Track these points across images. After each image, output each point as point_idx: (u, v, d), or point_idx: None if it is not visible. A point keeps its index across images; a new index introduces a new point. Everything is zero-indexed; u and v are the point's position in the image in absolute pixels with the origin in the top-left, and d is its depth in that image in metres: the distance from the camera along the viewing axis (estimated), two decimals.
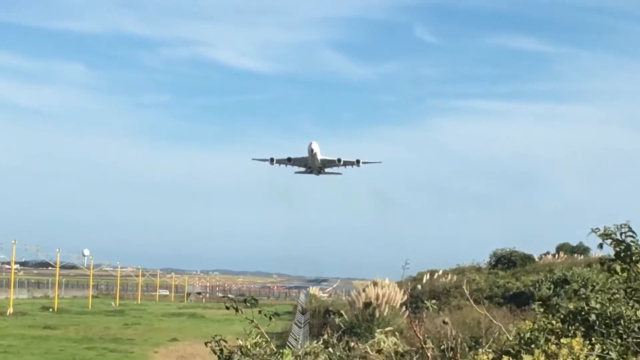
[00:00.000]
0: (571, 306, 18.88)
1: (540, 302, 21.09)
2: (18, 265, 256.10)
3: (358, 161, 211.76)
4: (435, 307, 17.00)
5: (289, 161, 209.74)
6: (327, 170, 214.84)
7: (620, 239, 17.78)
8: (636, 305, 18.29)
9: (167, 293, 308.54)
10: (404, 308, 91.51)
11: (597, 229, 17.85)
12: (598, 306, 18.28)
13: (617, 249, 17.89)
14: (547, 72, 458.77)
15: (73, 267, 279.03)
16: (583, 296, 19.31)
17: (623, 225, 17.72)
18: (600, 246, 17.99)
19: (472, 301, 21.91)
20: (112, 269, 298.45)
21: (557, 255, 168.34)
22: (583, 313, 18.46)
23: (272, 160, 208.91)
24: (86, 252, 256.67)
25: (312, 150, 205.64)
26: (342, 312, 20.02)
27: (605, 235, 17.75)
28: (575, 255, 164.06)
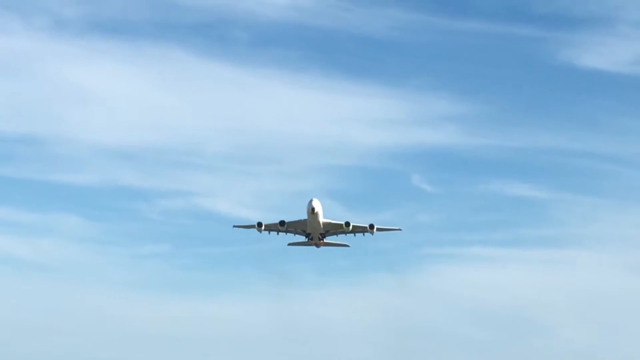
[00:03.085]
0: None
1: None
2: None
3: (372, 226, 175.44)
4: None
5: (282, 226, 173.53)
6: (329, 240, 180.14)
7: None
8: None
9: None
10: None
11: None
12: None
13: None
14: (545, 218, 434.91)
15: None
16: None
17: None
18: None
19: None
20: None
21: None
22: None
23: (259, 225, 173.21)
24: None
25: (312, 209, 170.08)
26: None
27: None
28: None
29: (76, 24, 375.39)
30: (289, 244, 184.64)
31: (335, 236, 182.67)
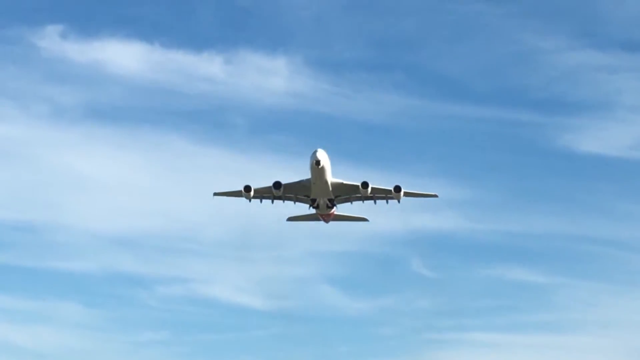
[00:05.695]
0: None
1: None
2: None
3: (398, 189, 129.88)
4: None
5: (278, 189, 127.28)
6: (340, 211, 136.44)
7: None
8: None
9: None
10: None
11: None
12: None
13: None
14: (545, 303, 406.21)
15: None
16: None
17: None
18: None
19: None
20: None
21: None
22: None
23: (247, 189, 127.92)
24: None
25: (317, 161, 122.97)
26: None
27: None
28: None
29: (74, 111, 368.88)
30: (289, 219, 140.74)
31: (349, 204, 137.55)
